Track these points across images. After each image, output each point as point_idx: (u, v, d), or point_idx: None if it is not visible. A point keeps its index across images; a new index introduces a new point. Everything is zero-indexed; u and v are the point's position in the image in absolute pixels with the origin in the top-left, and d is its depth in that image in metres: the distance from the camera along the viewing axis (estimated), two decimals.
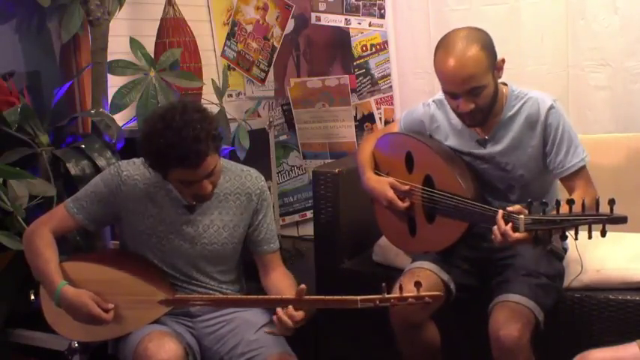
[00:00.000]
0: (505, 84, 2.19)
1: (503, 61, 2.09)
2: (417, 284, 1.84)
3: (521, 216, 1.86)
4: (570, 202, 1.82)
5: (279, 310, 1.86)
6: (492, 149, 2.17)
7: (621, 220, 1.79)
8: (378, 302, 1.84)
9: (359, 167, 2.42)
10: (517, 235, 1.87)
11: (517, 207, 1.89)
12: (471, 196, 2.10)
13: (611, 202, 1.78)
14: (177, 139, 1.84)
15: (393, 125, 2.52)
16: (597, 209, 1.81)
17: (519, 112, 2.14)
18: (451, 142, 2.25)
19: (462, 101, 2.05)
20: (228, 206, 2.10)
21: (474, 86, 2.01)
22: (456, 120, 2.22)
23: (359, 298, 1.84)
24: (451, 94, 2.07)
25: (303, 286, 1.87)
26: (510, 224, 1.88)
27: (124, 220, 2.10)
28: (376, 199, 2.34)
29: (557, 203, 1.85)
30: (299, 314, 1.85)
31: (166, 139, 1.84)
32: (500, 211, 1.91)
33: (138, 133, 2.61)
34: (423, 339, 2.15)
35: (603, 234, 1.81)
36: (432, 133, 2.31)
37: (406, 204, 2.26)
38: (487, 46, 2.03)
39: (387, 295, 1.84)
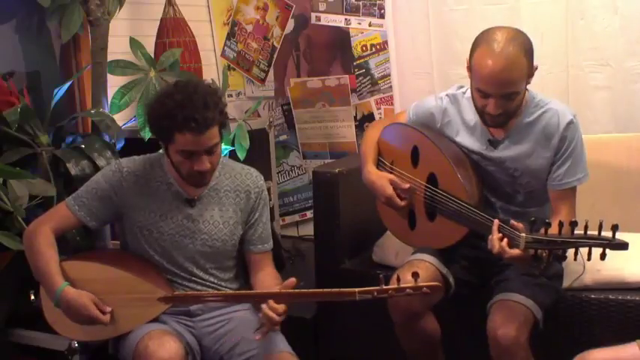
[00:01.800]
0: (526, 89, 2.14)
1: (536, 67, 2.07)
2: (415, 275, 1.84)
3: (523, 234, 1.85)
4: (573, 224, 1.81)
5: (264, 306, 1.87)
6: (503, 153, 2.16)
7: (622, 247, 1.78)
8: (375, 294, 1.85)
9: (361, 158, 2.40)
10: (513, 251, 1.86)
11: (520, 225, 1.87)
12: (474, 203, 2.07)
13: (614, 227, 1.77)
14: (188, 101, 1.90)
15: (400, 115, 2.47)
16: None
17: (538, 120, 2.12)
18: (461, 138, 2.23)
19: (493, 102, 2.02)
20: (229, 203, 2.11)
21: (511, 91, 2.00)
22: (469, 117, 2.21)
23: (357, 290, 1.85)
24: (483, 94, 2.04)
25: (293, 279, 1.91)
26: (506, 240, 1.88)
27: (125, 216, 2.10)
28: (375, 195, 2.33)
29: (560, 224, 1.83)
30: (281, 306, 1.88)
31: (176, 100, 1.91)
32: (496, 222, 1.91)
33: (138, 133, 2.64)
34: (422, 330, 2.15)
35: (603, 257, 1.80)
36: (443, 127, 2.27)
37: (404, 203, 2.25)
38: (529, 52, 2.01)
39: (384, 287, 1.85)
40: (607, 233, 1.79)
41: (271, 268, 2.16)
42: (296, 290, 1.95)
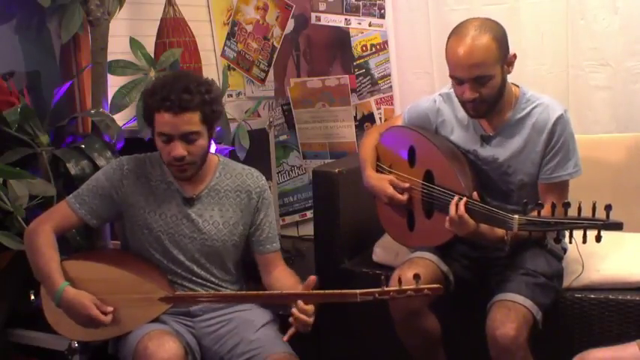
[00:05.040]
0: (517, 85, 2.19)
1: (514, 56, 2.10)
2: (416, 276, 1.85)
3: (515, 216, 1.86)
4: (566, 205, 1.82)
5: (294, 311, 1.87)
6: (496, 150, 2.17)
7: (617, 227, 1.78)
8: (377, 295, 1.85)
9: (360, 163, 2.42)
10: (469, 220, 1.96)
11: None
12: (469, 194, 2.09)
13: (608, 207, 1.78)
14: (170, 83, 1.96)
15: (396, 118, 2.51)
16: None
17: (528, 115, 2.14)
18: (456, 136, 2.25)
19: (467, 88, 2.06)
20: (229, 203, 2.11)
21: (481, 74, 2.03)
22: (462, 114, 2.22)
23: (358, 291, 1.85)
24: (457, 80, 2.08)
25: (313, 277, 1.90)
26: (463, 204, 1.96)
27: (125, 214, 2.10)
28: (377, 197, 2.35)
29: (553, 206, 1.85)
30: (310, 307, 1.88)
31: (161, 81, 2.00)
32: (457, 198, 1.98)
33: (138, 133, 2.64)
34: (422, 327, 2.16)
35: (598, 239, 1.81)
36: (438, 127, 2.30)
37: (406, 197, 2.27)
38: (499, 37, 2.05)
39: (386, 288, 1.85)
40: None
41: (284, 266, 2.16)
42: (297, 292, 1.95)
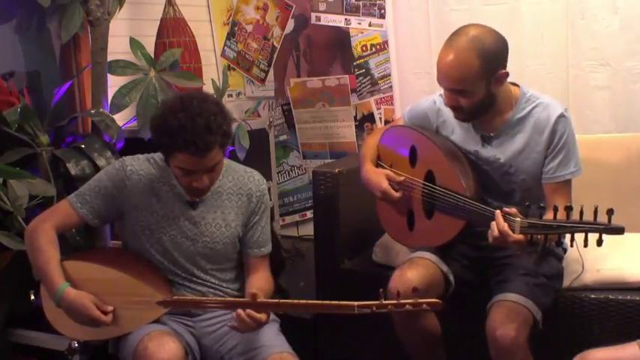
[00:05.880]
0: (517, 85, 2.18)
1: (505, 74, 2.07)
2: (415, 290, 1.84)
3: (518, 219, 1.86)
4: (568, 208, 1.82)
5: (239, 311, 1.88)
6: (496, 151, 2.17)
7: (618, 231, 1.78)
8: (375, 308, 1.83)
9: (360, 159, 2.42)
10: (516, 235, 1.87)
11: (513, 209, 1.89)
12: (471, 195, 2.10)
13: (610, 211, 1.78)
14: (190, 123, 1.86)
15: (397, 121, 2.53)
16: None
17: (529, 115, 2.14)
18: (457, 136, 2.25)
19: (446, 94, 2.10)
20: (230, 205, 2.11)
21: (456, 88, 2.05)
22: None
23: (356, 304, 1.84)
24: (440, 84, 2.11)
25: (255, 291, 1.91)
26: (507, 225, 1.89)
27: (126, 215, 2.10)
28: (371, 191, 2.34)
29: (555, 209, 1.85)
30: (261, 316, 1.88)
31: (179, 120, 1.87)
32: (499, 211, 1.92)
33: (138, 133, 2.64)
34: (422, 327, 2.15)
35: (599, 243, 1.80)
36: (439, 127, 2.30)
37: (399, 194, 2.26)
38: (488, 55, 2.01)
39: (384, 302, 1.84)
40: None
41: (264, 272, 2.15)
42: (295, 301, 1.94)
